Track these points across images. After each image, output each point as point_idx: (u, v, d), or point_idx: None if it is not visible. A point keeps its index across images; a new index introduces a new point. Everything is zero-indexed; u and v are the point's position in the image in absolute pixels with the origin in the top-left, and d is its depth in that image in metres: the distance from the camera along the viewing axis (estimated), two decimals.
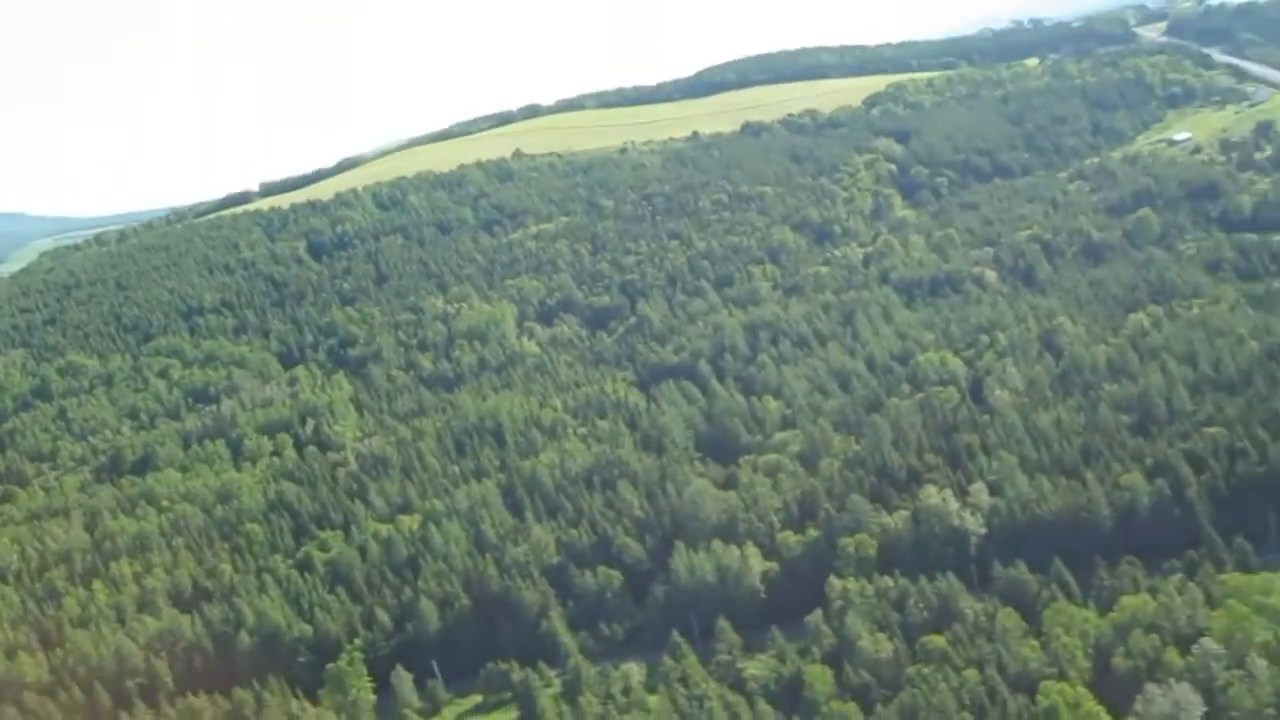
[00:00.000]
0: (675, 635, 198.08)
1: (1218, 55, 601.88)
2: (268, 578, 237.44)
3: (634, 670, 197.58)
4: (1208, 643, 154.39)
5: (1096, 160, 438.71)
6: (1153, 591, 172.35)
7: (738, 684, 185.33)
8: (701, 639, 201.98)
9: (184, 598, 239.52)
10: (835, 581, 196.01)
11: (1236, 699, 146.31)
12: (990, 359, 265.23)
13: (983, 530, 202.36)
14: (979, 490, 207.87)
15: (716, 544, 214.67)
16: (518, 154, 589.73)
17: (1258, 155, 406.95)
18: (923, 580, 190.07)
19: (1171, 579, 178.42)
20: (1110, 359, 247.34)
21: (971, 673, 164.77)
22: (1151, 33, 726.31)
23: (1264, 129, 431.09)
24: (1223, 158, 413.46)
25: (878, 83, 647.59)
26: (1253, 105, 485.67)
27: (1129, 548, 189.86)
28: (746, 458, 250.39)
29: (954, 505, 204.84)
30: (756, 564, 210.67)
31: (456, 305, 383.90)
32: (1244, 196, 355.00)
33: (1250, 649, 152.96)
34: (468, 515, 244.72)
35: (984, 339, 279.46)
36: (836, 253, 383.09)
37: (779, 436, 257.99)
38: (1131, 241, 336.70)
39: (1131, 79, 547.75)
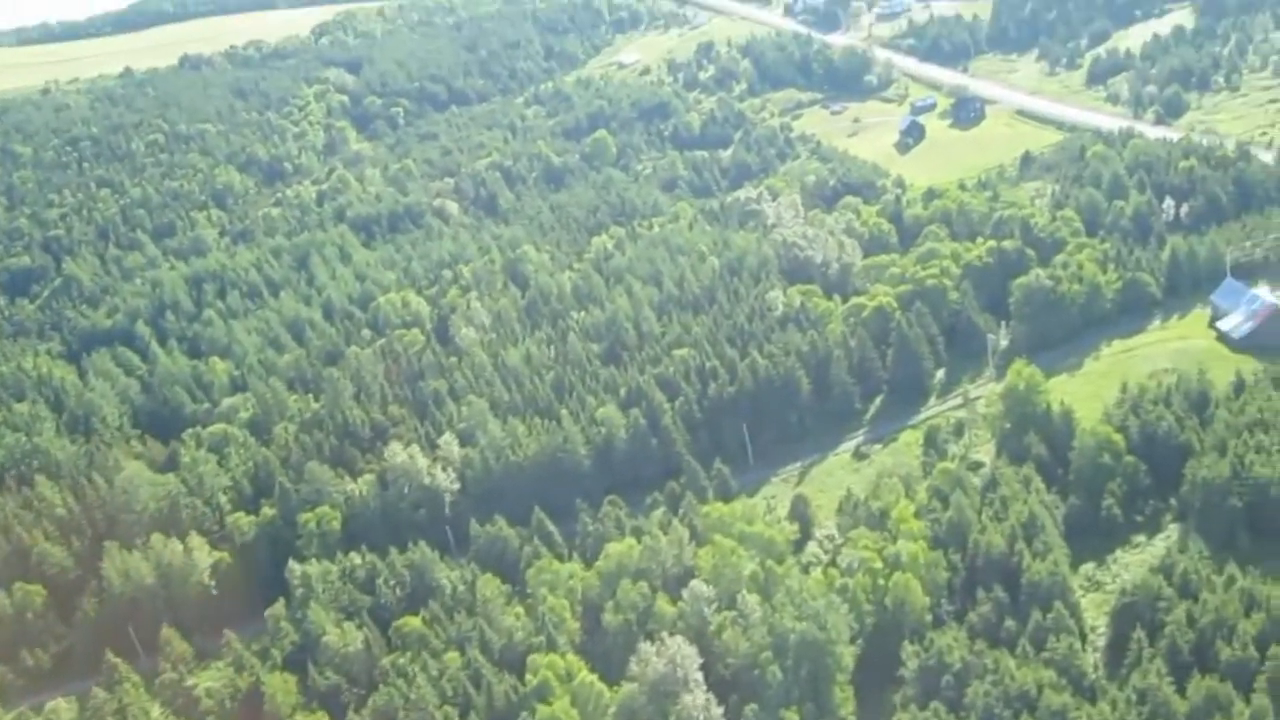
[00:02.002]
0: (110, 656, 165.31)
1: None
2: None
3: (63, 707, 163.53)
4: (697, 585, 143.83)
5: (551, 85, 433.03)
6: (637, 534, 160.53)
7: (188, 705, 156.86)
8: (146, 654, 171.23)
9: None
10: (295, 566, 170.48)
11: (731, 644, 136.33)
12: (455, 295, 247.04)
13: (456, 486, 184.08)
14: (449, 442, 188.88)
15: (156, 538, 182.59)
16: None
17: (701, 75, 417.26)
18: (394, 553, 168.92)
19: (655, 515, 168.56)
20: (576, 285, 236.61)
21: (453, 656, 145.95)
22: None
23: (705, 50, 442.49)
24: (670, 78, 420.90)
25: (327, 12, 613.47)
26: (694, 28, 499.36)
27: (611, 486, 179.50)
28: (191, 431, 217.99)
29: (423, 462, 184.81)
30: (204, 556, 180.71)
31: None
32: (692, 115, 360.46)
33: (740, 586, 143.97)
34: None
35: (447, 275, 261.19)
36: (288, 192, 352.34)
37: (228, 402, 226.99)
38: (590, 164, 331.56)
39: (581, 4, 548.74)
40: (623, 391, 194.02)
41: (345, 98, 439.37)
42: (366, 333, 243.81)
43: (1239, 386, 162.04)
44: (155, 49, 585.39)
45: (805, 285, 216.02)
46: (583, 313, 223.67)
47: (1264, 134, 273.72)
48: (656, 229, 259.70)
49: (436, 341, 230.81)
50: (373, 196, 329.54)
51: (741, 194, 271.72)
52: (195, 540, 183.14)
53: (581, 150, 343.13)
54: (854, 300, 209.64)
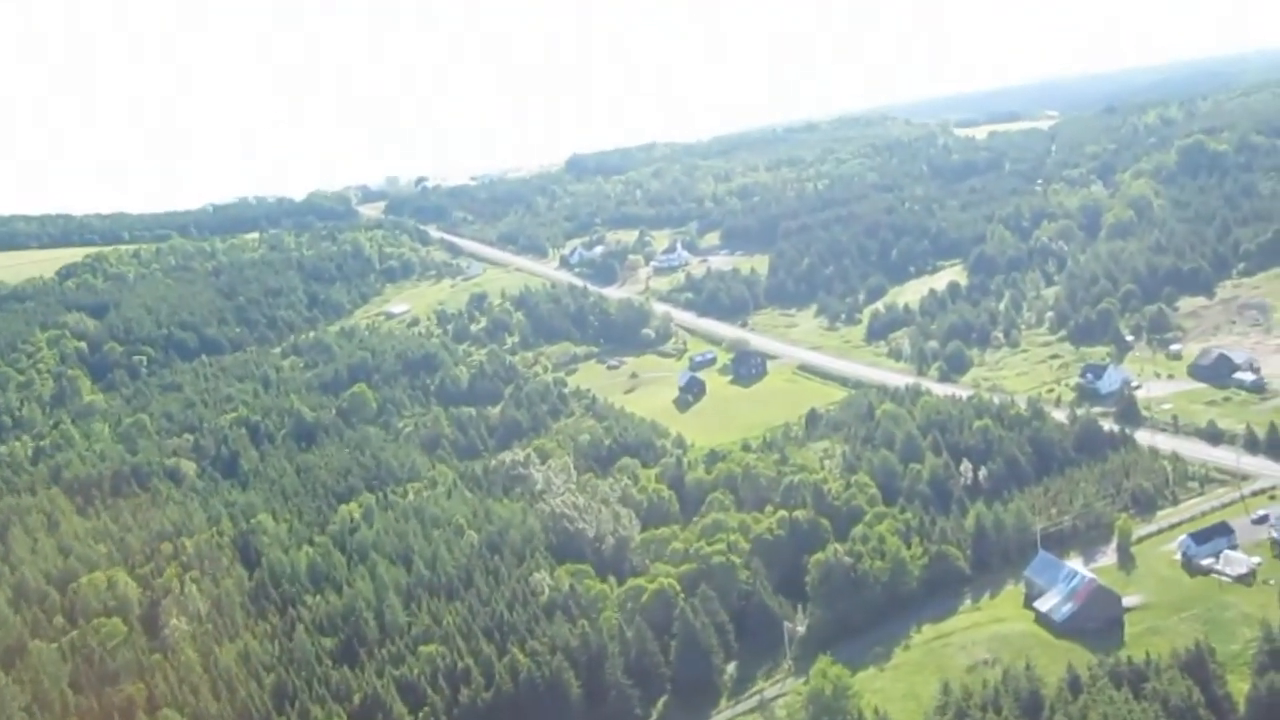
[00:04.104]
0: None
1: (435, 232, 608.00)
2: None
3: None
4: None
5: (313, 335, 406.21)
6: None
7: None
8: None
9: None
10: None
11: None
12: (172, 575, 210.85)
13: None
14: None
15: None
16: None
17: (473, 327, 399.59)
18: None
19: None
20: (314, 563, 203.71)
21: None
22: (372, 210, 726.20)
23: (478, 301, 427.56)
24: (440, 330, 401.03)
25: (78, 254, 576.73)
26: (467, 279, 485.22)
27: None
28: None
29: None
30: None
31: None
32: (461, 369, 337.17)
33: None
34: None
35: (167, 549, 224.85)
36: (1, 449, 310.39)
37: None
38: (346, 420, 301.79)
39: (350, 253, 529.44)
40: (356, 699, 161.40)
41: (83, 344, 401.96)
42: (59, 621, 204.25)
43: (1074, 684, 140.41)
44: None
45: (576, 564, 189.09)
46: (318, 597, 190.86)
47: (1050, 390, 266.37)
48: (412, 496, 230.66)
49: (142, 633, 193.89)
50: (96, 455, 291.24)
51: (508, 456, 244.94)
52: None
53: (338, 405, 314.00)
54: (631, 582, 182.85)
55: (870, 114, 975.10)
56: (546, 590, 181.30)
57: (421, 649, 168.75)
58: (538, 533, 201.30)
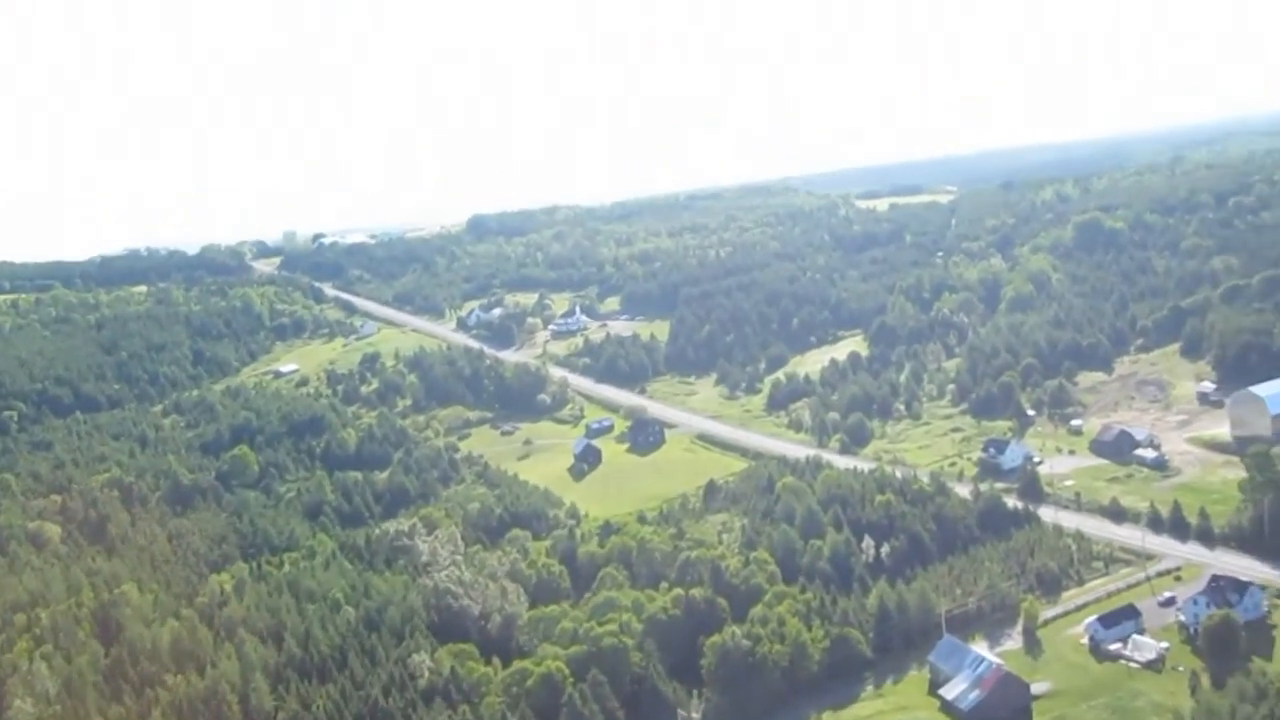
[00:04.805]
0: None
1: (330, 289, 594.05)
2: None
3: None
4: None
5: (196, 393, 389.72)
6: None
7: None
8: None
9: None
10: None
11: None
12: (23, 650, 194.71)
13: None
14: None
15: None
16: None
17: (364, 388, 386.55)
18: None
19: None
20: (178, 640, 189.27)
21: None
22: (267, 266, 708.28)
23: (370, 361, 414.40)
24: (329, 391, 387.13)
25: None
26: (361, 338, 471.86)
27: None
28: None
29: None
30: None
31: None
32: (349, 431, 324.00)
33: None
34: None
35: (20, 620, 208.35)
36: None
37: None
38: (226, 484, 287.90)
39: (240, 308, 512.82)
40: None
41: None
42: None
43: None
44: None
45: (459, 644, 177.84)
46: (179, 677, 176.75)
47: (952, 464, 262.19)
48: (288, 567, 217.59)
49: None
50: None
51: (393, 526, 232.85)
52: None
53: (218, 467, 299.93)
54: (517, 665, 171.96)
55: (773, 184, 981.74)
56: (426, 673, 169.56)
57: None
58: (419, 610, 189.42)
